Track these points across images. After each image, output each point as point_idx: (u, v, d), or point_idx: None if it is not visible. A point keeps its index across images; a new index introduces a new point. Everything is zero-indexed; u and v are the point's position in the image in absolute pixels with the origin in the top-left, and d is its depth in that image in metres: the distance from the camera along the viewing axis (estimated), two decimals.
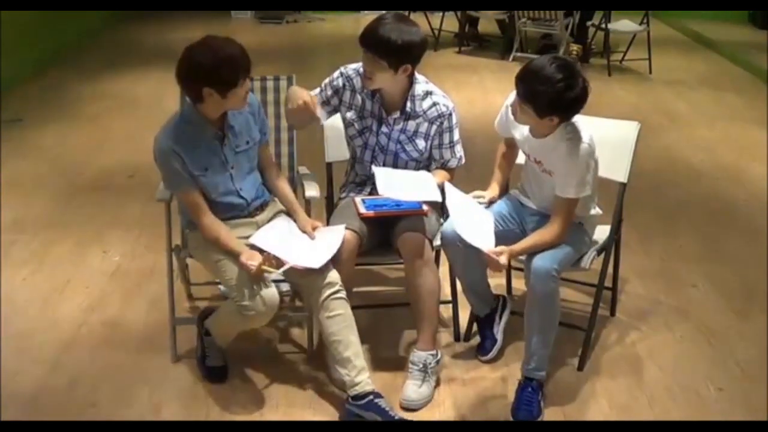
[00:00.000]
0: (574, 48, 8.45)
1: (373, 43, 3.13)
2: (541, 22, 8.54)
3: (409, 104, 3.30)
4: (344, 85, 3.34)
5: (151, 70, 7.88)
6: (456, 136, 3.40)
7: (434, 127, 3.33)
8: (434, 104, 3.32)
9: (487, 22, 9.68)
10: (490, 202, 3.36)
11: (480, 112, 6.61)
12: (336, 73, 3.37)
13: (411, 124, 3.33)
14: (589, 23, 8.55)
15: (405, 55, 3.15)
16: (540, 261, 3.05)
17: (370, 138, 3.35)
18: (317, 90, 3.39)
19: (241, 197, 3.17)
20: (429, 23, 9.37)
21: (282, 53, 8.70)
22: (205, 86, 2.93)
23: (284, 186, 3.32)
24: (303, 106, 3.18)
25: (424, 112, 3.32)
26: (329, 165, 3.59)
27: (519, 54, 8.68)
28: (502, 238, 3.12)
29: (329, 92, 3.36)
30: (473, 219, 3.17)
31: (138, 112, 6.73)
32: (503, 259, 3.02)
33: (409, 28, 3.15)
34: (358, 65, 3.34)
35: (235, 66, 2.91)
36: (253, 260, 2.94)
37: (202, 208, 3.07)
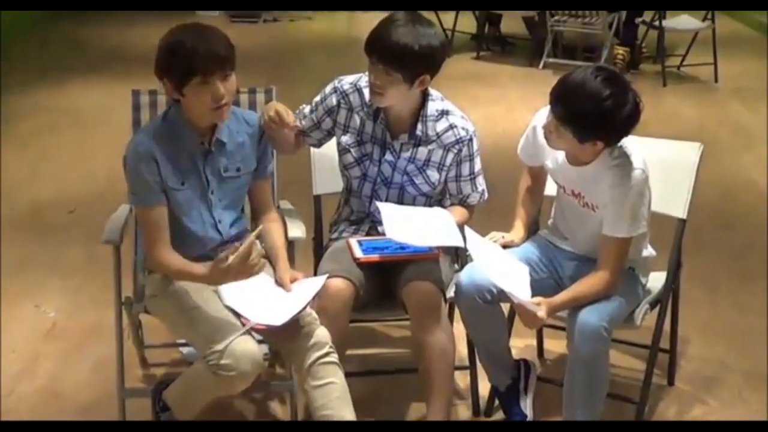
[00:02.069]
0: (620, 52, 8.49)
1: (384, 52, 3.13)
2: (578, 21, 8.59)
3: (419, 126, 3.31)
4: (339, 103, 3.35)
5: (99, 77, 7.91)
6: (477, 165, 3.41)
7: (450, 156, 3.34)
8: (451, 127, 3.33)
9: (512, 20, 9.76)
10: (506, 246, 3.35)
11: (502, 131, 6.64)
12: (328, 89, 3.38)
13: (422, 152, 3.33)
14: (638, 20, 8.60)
15: (423, 65, 3.16)
16: (587, 316, 3.06)
17: (370, 168, 3.36)
18: (307, 108, 3.41)
19: (218, 231, 3.19)
20: (440, 22, 9.39)
21: (259, 60, 8.75)
22: (162, 76, 3.02)
23: (275, 229, 3.30)
24: (275, 118, 3.20)
25: (438, 137, 3.33)
26: (318, 199, 3.60)
27: (551, 60, 8.75)
28: (533, 288, 3.12)
29: (320, 113, 3.37)
30: (503, 265, 3.17)
31: (82, 131, 6.76)
32: (542, 312, 3.02)
33: (426, 30, 3.16)
34: (355, 78, 3.36)
35: (187, 53, 2.94)
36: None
37: (162, 232, 3.07)
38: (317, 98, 3.39)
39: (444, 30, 9.22)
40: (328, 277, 3.15)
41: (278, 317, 2.97)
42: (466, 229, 3.21)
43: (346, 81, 3.37)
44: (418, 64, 3.14)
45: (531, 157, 3.37)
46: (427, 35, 3.14)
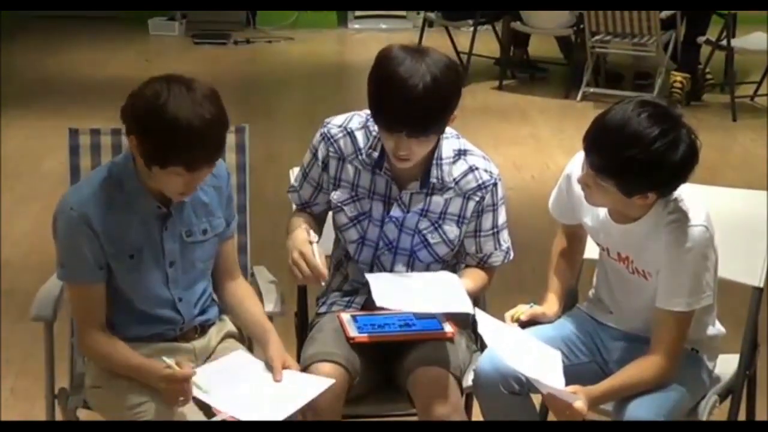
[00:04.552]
0: (678, 79, 8.51)
1: (410, 120, 3.09)
2: (626, 41, 8.61)
3: (434, 171, 3.32)
4: (328, 151, 3.36)
5: (25, 113, 7.91)
6: (502, 217, 3.42)
7: (471, 205, 3.36)
8: (471, 169, 3.35)
9: (543, 40, 9.83)
10: (529, 323, 3.32)
11: (531, 179, 6.67)
12: (316, 137, 3.39)
13: (436, 202, 3.35)
14: (700, 40, 8.62)
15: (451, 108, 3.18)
16: (638, 410, 3.05)
17: (370, 229, 3.37)
18: (299, 171, 3.41)
19: (178, 312, 3.17)
20: (453, 44, 9.49)
21: (228, 91, 8.68)
22: (131, 132, 2.95)
23: (249, 298, 3.31)
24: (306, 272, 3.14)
25: (457, 183, 3.35)
26: None
27: (591, 89, 8.79)
28: (570, 376, 3.11)
29: (317, 171, 3.37)
30: (526, 349, 3.17)
31: (4, 179, 6.76)
32: (580, 403, 3.02)
33: (437, 59, 3.13)
34: (344, 119, 3.38)
35: (178, 137, 2.86)
36: (183, 387, 2.93)
37: (97, 313, 3.06)
38: (307, 155, 3.40)
39: (459, 54, 9.30)
40: (316, 362, 3.15)
41: (276, 413, 2.95)
42: (477, 311, 3.20)
43: (334, 124, 3.38)
44: (445, 113, 3.14)
45: (565, 213, 3.39)
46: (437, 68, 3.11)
